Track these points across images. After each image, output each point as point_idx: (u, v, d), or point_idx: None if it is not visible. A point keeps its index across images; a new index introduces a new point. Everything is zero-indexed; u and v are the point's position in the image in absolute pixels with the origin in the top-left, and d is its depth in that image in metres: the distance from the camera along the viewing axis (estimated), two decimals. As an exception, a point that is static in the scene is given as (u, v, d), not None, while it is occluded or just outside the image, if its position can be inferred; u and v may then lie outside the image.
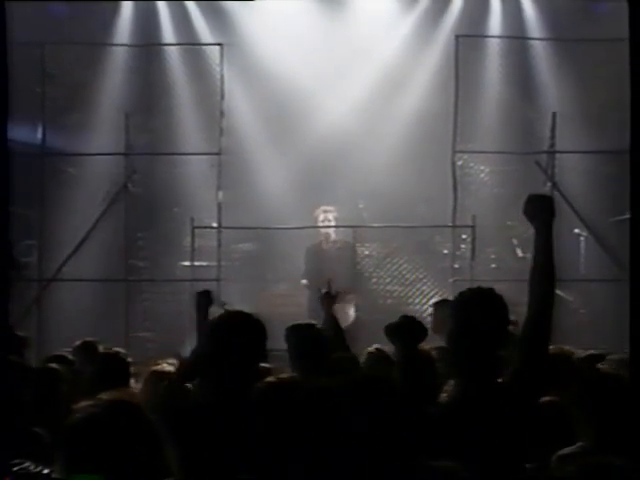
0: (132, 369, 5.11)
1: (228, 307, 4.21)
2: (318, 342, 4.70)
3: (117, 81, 10.23)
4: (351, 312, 9.44)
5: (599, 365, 4.43)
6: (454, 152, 9.12)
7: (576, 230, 9.67)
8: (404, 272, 10.42)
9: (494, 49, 10.27)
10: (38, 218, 9.31)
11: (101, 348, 5.65)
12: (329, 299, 5.40)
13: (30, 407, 4.13)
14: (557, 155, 9.25)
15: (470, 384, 3.37)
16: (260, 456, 3.02)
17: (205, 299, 4.41)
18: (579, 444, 3.48)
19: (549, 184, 9.13)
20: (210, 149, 9.44)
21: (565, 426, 3.66)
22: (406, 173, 10.05)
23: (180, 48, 10.48)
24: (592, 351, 5.19)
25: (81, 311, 9.35)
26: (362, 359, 4.84)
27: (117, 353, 5.16)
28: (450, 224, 9.17)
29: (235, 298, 8.77)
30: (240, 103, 10.28)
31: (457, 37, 9.32)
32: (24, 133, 9.37)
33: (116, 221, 9.48)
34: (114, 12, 10.38)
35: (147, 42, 10.43)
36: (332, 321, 5.25)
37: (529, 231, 10.31)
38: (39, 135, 9.39)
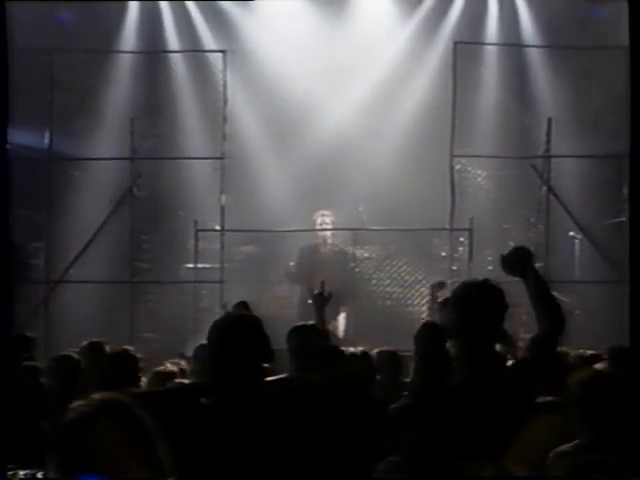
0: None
1: (229, 308, 4.33)
2: (317, 343, 4.79)
3: (122, 87, 10.30)
4: (342, 320, 9.54)
5: (594, 365, 4.55)
6: (452, 156, 9.15)
7: (571, 233, 9.72)
8: (403, 274, 10.48)
9: (491, 55, 10.34)
10: (45, 221, 9.34)
11: (107, 348, 5.67)
12: (322, 300, 5.46)
13: (40, 403, 4.16)
14: (553, 159, 9.30)
15: (471, 378, 3.47)
16: (260, 456, 3.04)
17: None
18: (575, 442, 3.54)
19: (545, 188, 9.21)
20: (213, 154, 9.51)
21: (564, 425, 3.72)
22: (405, 177, 10.10)
23: (184, 55, 10.56)
24: (587, 351, 5.33)
25: (87, 312, 9.39)
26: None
27: (127, 351, 5.21)
28: (448, 227, 9.20)
29: (238, 299, 8.89)
30: (242, 109, 10.35)
31: (455, 44, 9.38)
32: (32, 138, 9.46)
33: (121, 224, 9.53)
34: (120, 19, 10.44)
35: (152, 49, 10.49)
36: (321, 323, 5.32)
37: (526, 234, 10.36)
38: (47, 140, 9.44)
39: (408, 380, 4.24)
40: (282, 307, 9.74)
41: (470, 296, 3.62)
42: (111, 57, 10.39)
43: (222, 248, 9.30)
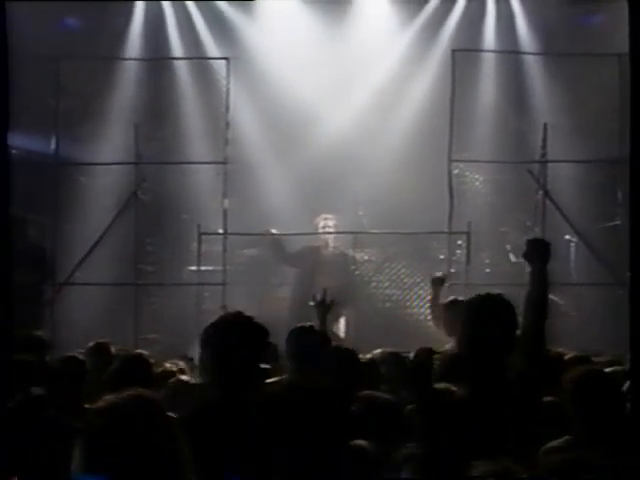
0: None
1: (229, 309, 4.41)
2: (317, 344, 4.82)
3: (127, 93, 10.38)
4: (342, 322, 9.57)
5: (587, 366, 4.56)
6: (450, 161, 9.18)
7: (567, 236, 9.79)
8: (402, 276, 10.56)
9: (489, 62, 10.45)
10: (52, 224, 9.36)
11: (113, 349, 5.70)
12: (324, 308, 5.47)
13: (51, 400, 4.18)
14: (548, 164, 9.33)
15: (479, 386, 3.53)
16: (260, 457, 3.02)
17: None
18: (566, 438, 3.60)
19: (541, 192, 9.25)
20: (216, 158, 9.54)
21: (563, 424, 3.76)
22: (404, 181, 10.17)
23: (188, 62, 10.63)
24: (582, 352, 5.42)
25: (92, 313, 9.41)
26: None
27: (141, 355, 5.18)
28: (446, 230, 9.24)
29: (240, 301, 9.02)
30: (245, 114, 10.43)
31: (454, 51, 9.46)
32: (39, 144, 9.58)
33: (126, 227, 9.54)
34: (124, 27, 10.54)
35: (156, 56, 10.56)
36: (323, 329, 5.32)
37: (522, 237, 10.48)
38: (53, 146, 9.45)
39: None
40: (283, 309, 9.73)
41: (484, 309, 3.69)
42: (116, 64, 10.46)
43: (225, 251, 9.33)
